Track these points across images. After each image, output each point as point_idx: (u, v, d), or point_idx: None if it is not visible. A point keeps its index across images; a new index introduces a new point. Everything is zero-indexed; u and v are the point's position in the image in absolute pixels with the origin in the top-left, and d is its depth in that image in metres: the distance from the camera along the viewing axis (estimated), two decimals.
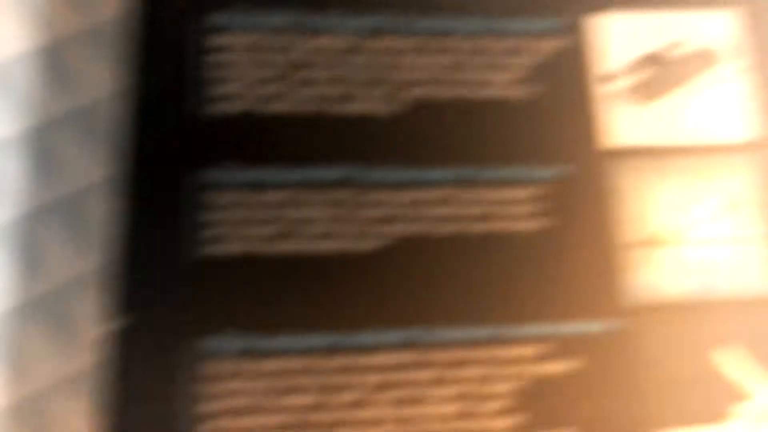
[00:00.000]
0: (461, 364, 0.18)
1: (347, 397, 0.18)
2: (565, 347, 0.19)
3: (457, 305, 0.19)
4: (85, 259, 0.21)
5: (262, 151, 0.19)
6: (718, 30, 0.21)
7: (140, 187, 0.18)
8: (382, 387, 0.18)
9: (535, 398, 0.18)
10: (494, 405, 0.18)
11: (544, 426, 0.18)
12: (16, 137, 0.21)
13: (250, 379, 0.18)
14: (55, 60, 0.22)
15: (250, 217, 0.19)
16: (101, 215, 0.21)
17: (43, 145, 0.21)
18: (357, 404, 0.18)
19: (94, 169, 0.21)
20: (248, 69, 0.19)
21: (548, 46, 0.21)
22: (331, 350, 0.18)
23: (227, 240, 0.18)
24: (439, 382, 0.18)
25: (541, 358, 0.19)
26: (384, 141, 0.19)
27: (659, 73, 0.21)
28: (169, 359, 0.18)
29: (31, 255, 0.20)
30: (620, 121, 0.20)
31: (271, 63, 0.20)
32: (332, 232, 0.19)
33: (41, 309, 0.20)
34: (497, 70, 0.20)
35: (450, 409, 0.18)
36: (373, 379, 0.18)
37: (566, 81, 0.20)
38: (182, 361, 0.18)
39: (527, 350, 0.19)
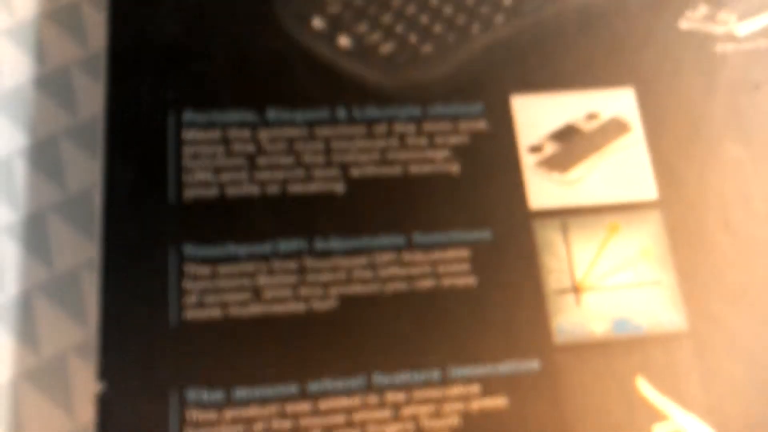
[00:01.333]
0: (414, 402, 0.21)
1: None
2: (503, 384, 0.22)
3: (409, 351, 0.22)
4: (79, 330, 0.23)
5: (233, 228, 0.22)
6: (623, 104, 0.25)
7: (128, 262, 0.22)
8: (348, 425, 0.21)
9: (479, 430, 0.21)
10: None
11: None
12: (14, 223, 0.24)
13: (230, 424, 0.21)
14: (45, 154, 0.25)
15: (225, 286, 0.22)
16: (92, 290, 0.24)
17: (38, 231, 0.24)
18: None
19: (84, 249, 0.24)
20: (218, 158, 0.23)
21: (477, 125, 0.24)
22: (301, 396, 0.21)
23: (206, 305, 0.22)
24: (396, 419, 0.21)
25: (483, 394, 0.21)
26: (338, 214, 0.23)
27: (578, 141, 0.24)
28: (157, 409, 0.20)
29: (28, 329, 0.23)
30: (543, 187, 0.24)
31: (237, 152, 0.23)
32: (296, 295, 0.22)
33: (39, 377, 0.23)
34: (434, 148, 0.24)
35: None
36: (339, 419, 0.21)
37: (494, 154, 0.24)
38: (169, 411, 0.21)
39: (471, 388, 0.22)
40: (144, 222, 0.22)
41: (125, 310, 0.21)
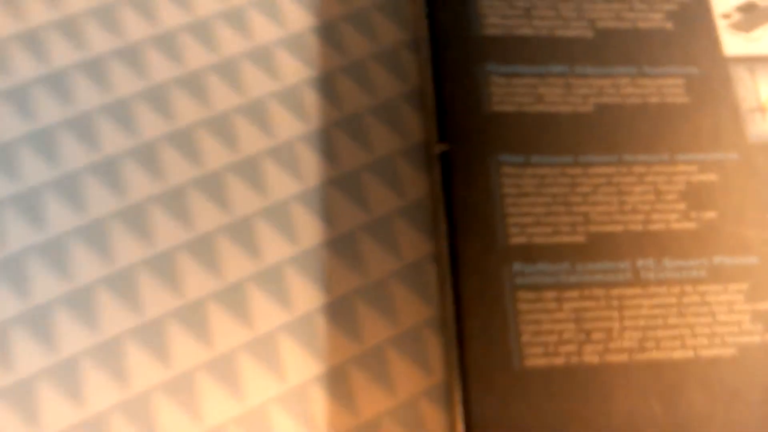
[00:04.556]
0: (652, 173, 0.31)
1: None
2: (713, 166, 0.31)
3: (645, 141, 0.31)
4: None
5: (522, 54, 0.32)
6: None
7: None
8: (608, 185, 0.30)
9: (698, 194, 0.31)
10: (671, 197, 0.31)
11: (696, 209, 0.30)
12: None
13: (528, 177, 0.30)
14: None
15: (518, 92, 0.32)
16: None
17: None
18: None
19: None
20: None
21: (684, 0, 0.34)
22: (575, 164, 0.31)
23: (505, 103, 0.31)
24: (640, 183, 0.31)
25: (700, 171, 0.31)
26: (589, 51, 0.33)
27: (756, 11, 0.34)
28: (482, 167, 0.30)
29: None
30: (733, 41, 0.33)
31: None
32: (565, 101, 0.32)
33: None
34: (653, 11, 0.34)
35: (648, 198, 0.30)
36: (601, 180, 0.31)
37: (697, 18, 0.34)
38: (490, 168, 0.30)
39: (690, 167, 0.31)
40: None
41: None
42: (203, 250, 0.30)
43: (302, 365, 0.29)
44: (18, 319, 0.29)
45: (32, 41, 0.33)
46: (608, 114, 0.31)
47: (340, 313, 0.30)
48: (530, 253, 0.29)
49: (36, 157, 0.31)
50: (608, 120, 0.31)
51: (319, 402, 0.29)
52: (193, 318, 0.29)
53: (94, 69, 0.33)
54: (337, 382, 0.29)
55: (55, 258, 0.29)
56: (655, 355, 0.27)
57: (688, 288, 0.28)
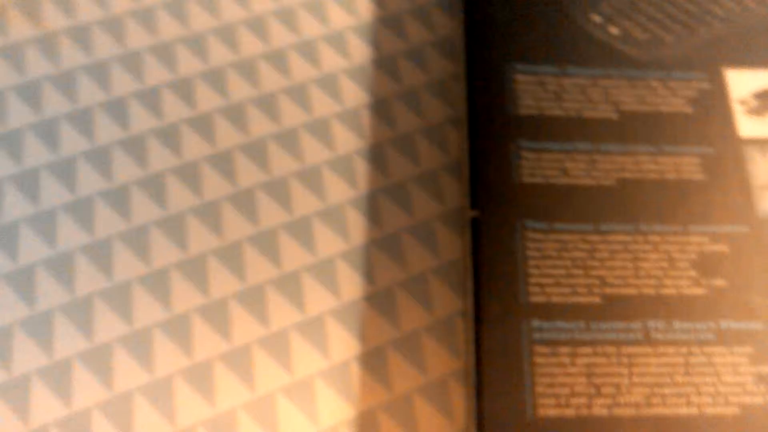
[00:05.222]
0: (666, 243, 0.34)
1: None
2: (724, 237, 0.34)
3: (659, 214, 0.34)
4: None
5: (554, 133, 0.36)
6: None
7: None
8: (624, 251, 0.33)
9: (709, 263, 0.33)
10: (684, 264, 0.33)
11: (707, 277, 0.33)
12: None
13: (551, 242, 0.33)
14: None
15: (546, 165, 0.35)
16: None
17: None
18: None
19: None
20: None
21: (702, 85, 0.37)
22: (595, 232, 0.34)
23: (535, 175, 0.35)
24: (655, 251, 0.34)
25: (711, 242, 0.34)
26: (613, 132, 0.36)
27: None
28: (507, 231, 0.34)
29: None
30: (749, 125, 0.36)
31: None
32: (589, 175, 0.35)
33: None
34: (675, 97, 0.37)
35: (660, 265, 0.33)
36: (619, 247, 0.34)
37: (714, 105, 0.37)
38: (516, 233, 0.34)
39: (703, 238, 0.34)
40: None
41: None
42: (253, 299, 0.34)
43: (336, 409, 0.32)
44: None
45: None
46: (628, 188, 0.34)
47: (373, 361, 0.33)
48: (548, 311, 0.31)
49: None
50: (628, 193, 0.34)
51: None
52: (240, 360, 0.33)
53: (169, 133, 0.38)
54: (367, 427, 0.32)
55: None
56: (661, 410, 0.30)
57: (695, 349, 0.31)
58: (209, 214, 0.36)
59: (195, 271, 0.34)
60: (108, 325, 0.33)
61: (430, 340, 0.34)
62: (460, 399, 0.33)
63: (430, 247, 0.35)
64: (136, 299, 0.34)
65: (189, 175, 0.36)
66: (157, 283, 0.34)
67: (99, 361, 0.32)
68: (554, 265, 0.32)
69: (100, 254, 0.34)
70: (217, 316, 0.33)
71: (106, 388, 0.32)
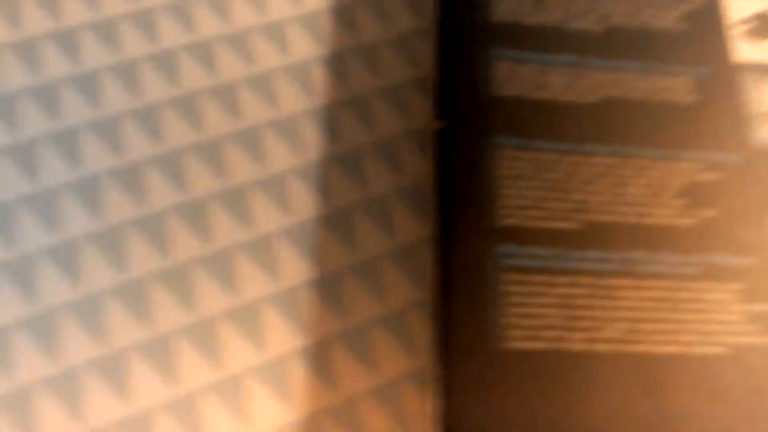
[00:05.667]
0: (652, 167, 0.30)
1: None
2: (717, 165, 0.31)
3: (647, 133, 0.31)
4: None
5: (544, 44, 0.32)
6: None
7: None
8: (609, 175, 0.30)
9: (701, 191, 0.30)
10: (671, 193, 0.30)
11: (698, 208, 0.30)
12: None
13: (526, 162, 0.30)
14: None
15: (524, 76, 0.31)
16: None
17: None
18: None
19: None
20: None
21: (699, 2, 0.34)
22: (577, 152, 0.30)
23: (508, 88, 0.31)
24: (639, 176, 0.30)
25: (704, 170, 0.31)
26: (597, 48, 0.32)
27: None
28: (481, 147, 0.30)
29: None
30: (743, 47, 0.33)
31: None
32: (572, 89, 0.31)
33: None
34: (669, 10, 0.33)
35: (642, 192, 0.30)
36: (602, 170, 0.30)
37: (712, 24, 0.33)
38: (486, 148, 0.30)
39: (693, 165, 0.31)
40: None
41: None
42: (195, 214, 0.30)
43: (285, 337, 0.29)
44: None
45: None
46: (613, 107, 0.31)
47: (328, 288, 0.30)
48: (521, 235, 0.28)
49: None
50: (612, 113, 0.31)
51: (298, 376, 0.28)
52: (180, 281, 0.29)
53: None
54: (319, 357, 0.28)
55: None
56: (642, 347, 0.27)
57: (681, 284, 0.28)
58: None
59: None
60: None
61: (392, 266, 0.30)
62: (422, 330, 0.29)
63: (394, 167, 0.32)
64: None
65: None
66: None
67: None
68: (529, 186, 0.29)
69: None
70: (156, 229, 0.29)
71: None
